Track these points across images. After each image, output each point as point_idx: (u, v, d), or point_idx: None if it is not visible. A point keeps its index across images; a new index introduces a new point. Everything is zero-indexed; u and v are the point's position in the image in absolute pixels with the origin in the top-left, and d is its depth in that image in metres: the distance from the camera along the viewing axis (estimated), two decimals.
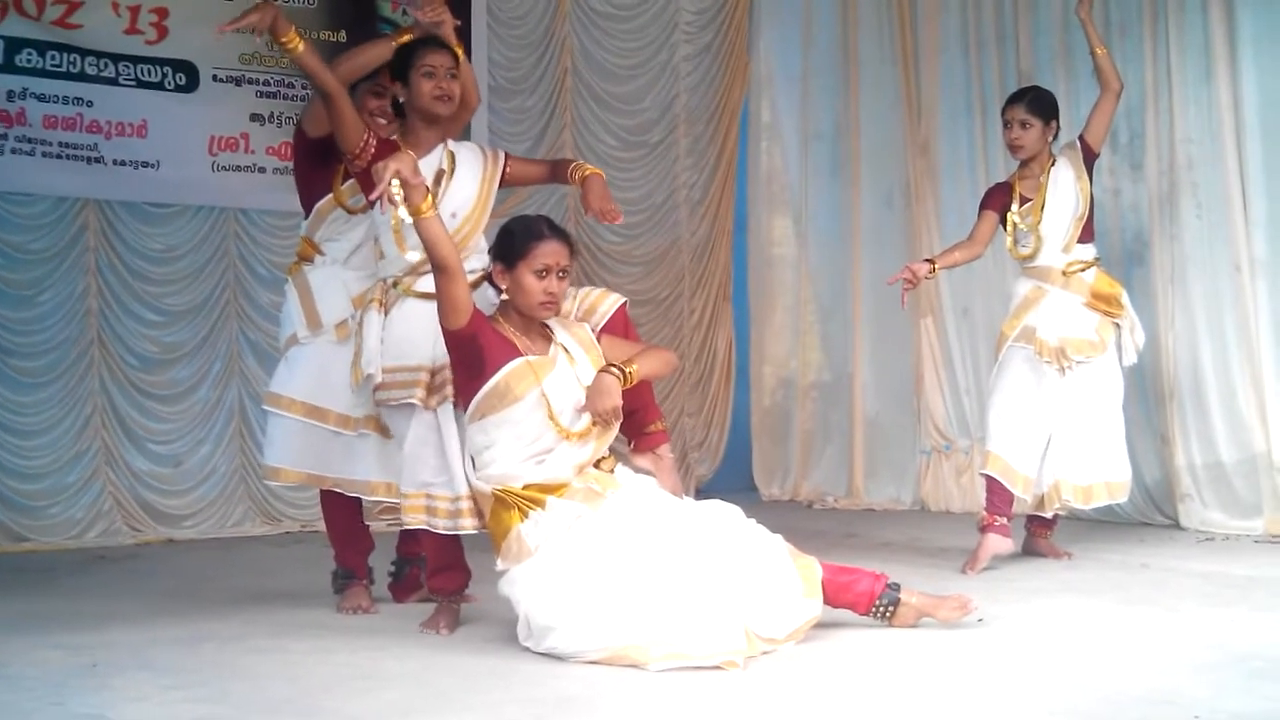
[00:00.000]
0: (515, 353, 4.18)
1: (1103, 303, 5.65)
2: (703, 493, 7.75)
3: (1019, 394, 5.62)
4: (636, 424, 4.46)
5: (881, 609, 4.16)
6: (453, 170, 4.55)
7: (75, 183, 6.77)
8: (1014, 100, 5.75)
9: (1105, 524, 6.56)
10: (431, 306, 4.25)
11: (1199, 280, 6.53)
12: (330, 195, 4.84)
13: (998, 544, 5.48)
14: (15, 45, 6.55)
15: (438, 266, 4.10)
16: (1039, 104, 5.68)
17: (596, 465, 4.22)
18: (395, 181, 3.97)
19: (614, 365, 4.20)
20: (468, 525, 4.33)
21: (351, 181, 4.72)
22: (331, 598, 4.94)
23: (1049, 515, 5.76)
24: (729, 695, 3.52)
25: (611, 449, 4.30)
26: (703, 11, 8.62)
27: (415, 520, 4.42)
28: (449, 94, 4.51)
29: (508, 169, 4.71)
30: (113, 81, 6.78)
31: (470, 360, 4.17)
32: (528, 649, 3.99)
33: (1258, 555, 5.75)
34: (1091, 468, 5.65)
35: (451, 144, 4.62)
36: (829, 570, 4.14)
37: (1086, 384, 5.61)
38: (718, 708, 3.43)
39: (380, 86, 4.75)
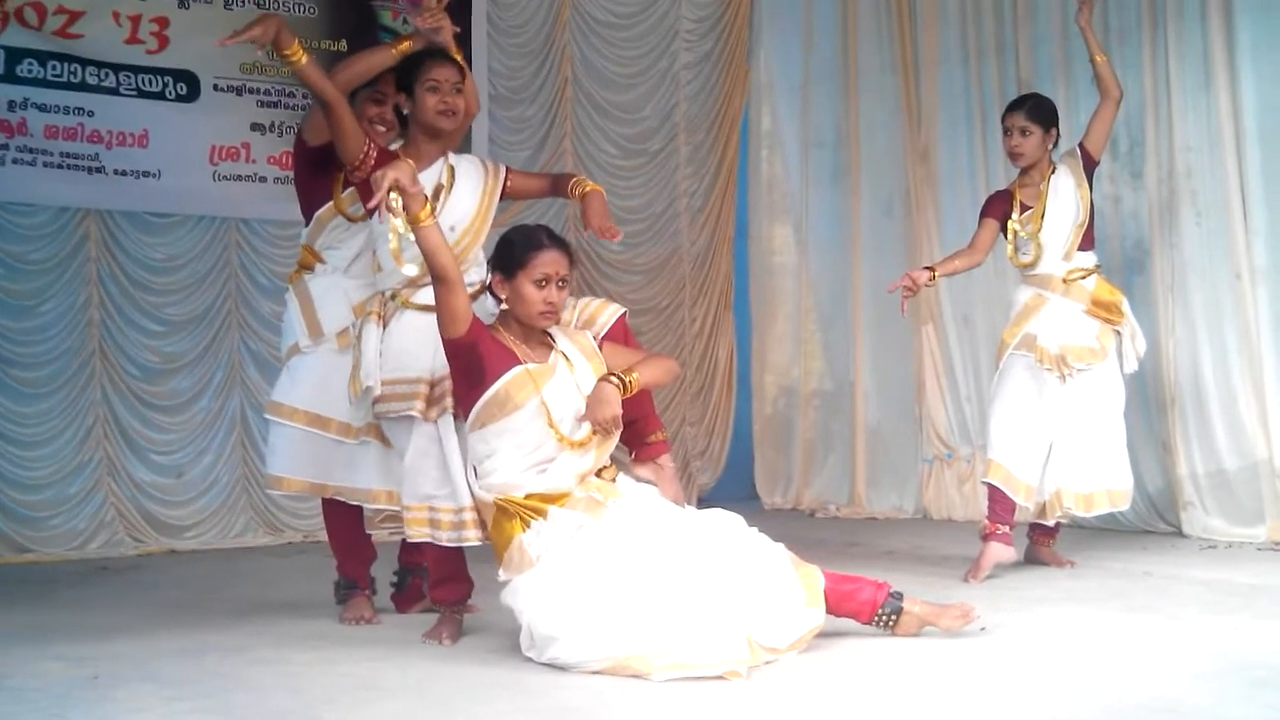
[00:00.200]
0: (515, 361, 4.18)
1: (1103, 310, 5.65)
2: (705, 502, 7.77)
3: (1020, 402, 5.62)
4: (637, 434, 4.47)
5: (884, 618, 4.16)
6: (451, 184, 4.55)
7: (76, 193, 6.77)
8: (1014, 108, 5.75)
9: (1107, 532, 6.55)
10: (430, 319, 4.25)
11: (1199, 288, 6.53)
12: (330, 203, 4.84)
13: (1000, 552, 5.48)
14: (16, 55, 6.56)
15: (437, 276, 4.10)
16: (1039, 111, 5.69)
17: (598, 474, 4.22)
18: (394, 191, 3.98)
19: (614, 374, 4.20)
20: (472, 537, 4.33)
21: (352, 190, 4.72)
22: (334, 608, 4.94)
23: (1051, 523, 5.75)
24: (732, 705, 3.52)
25: (613, 458, 4.30)
26: (703, 20, 8.63)
27: (418, 533, 4.41)
28: (453, 109, 4.52)
29: (508, 182, 4.71)
30: (114, 91, 6.78)
31: (470, 369, 4.17)
32: (530, 659, 3.99)
33: (1260, 563, 5.75)
34: (1093, 475, 5.64)
35: (452, 157, 4.62)
36: (831, 579, 4.13)
37: (1087, 391, 5.61)
38: (721, 717, 3.42)
39: (380, 94, 4.76)
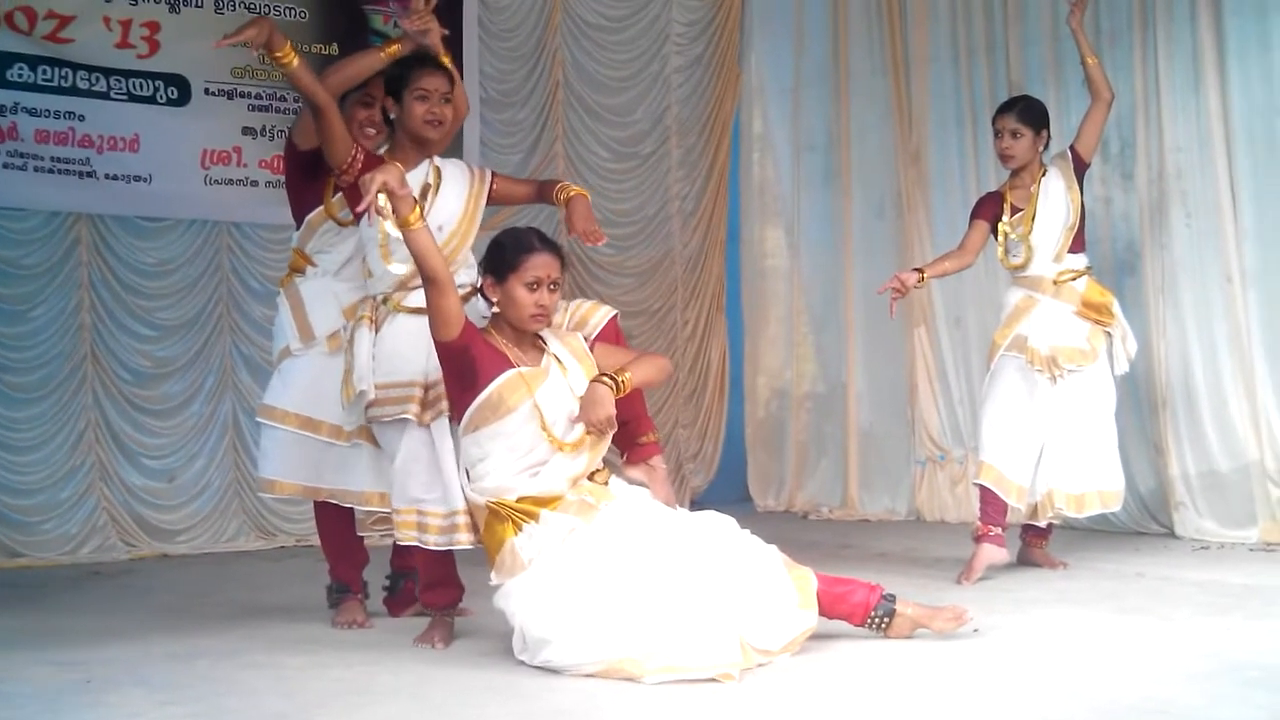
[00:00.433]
0: (507, 364, 4.18)
1: (1093, 311, 5.67)
2: (698, 504, 7.76)
3: (1011, 403, 5.63)
4: (629, 435, 4.47)
5: (877, 620, 4.16)
6: (438, 185, 4.56)
7: (67, 197, 6.75)
8: (1005, 110, 5.76)
9: (1100, 533, 6.56)
10: (422, 322, 4.24)
11: (1189, 289, 6.55)
12: (321, 207, 4.84)
13: (992, 554, 5.48)
14: (6, 60, 6.54)
15: (427, 278, 4.10)
16: (1030, 113, 5.70)
17: (591, 477, 4.22)
18: (382, 195, 3.97)
19: (606, 375, 4.20)
20: (463, 540, 4.32)
21: (342, 194, 4.72)
22: (326, 612, 4.93)
23: (1043, 524, 5.76)
24: (725, 707, 3.52)
25: (605, 460, 4.30)
26: (694, 23, 8.63)
27: (407, 536, 4.41)
28: (440, 119, 4.52)
29: (494, 187, 4.71)
30: (104, 96, 6.76)
31: (463, 372, 4.16)
32: (523, 663, 3.99)
33: (1252, 564, 5.76)
34: (1084, 476, 5.66)
35: (437, 160, 4.62)
36: (824, 581, 4.13)
37: (1078, 393, 5.62)
38: None
39: (369, 96, 4.76)
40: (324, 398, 4.72)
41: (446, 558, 4.45)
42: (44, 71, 6.63)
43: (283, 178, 5.22)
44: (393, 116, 4.57)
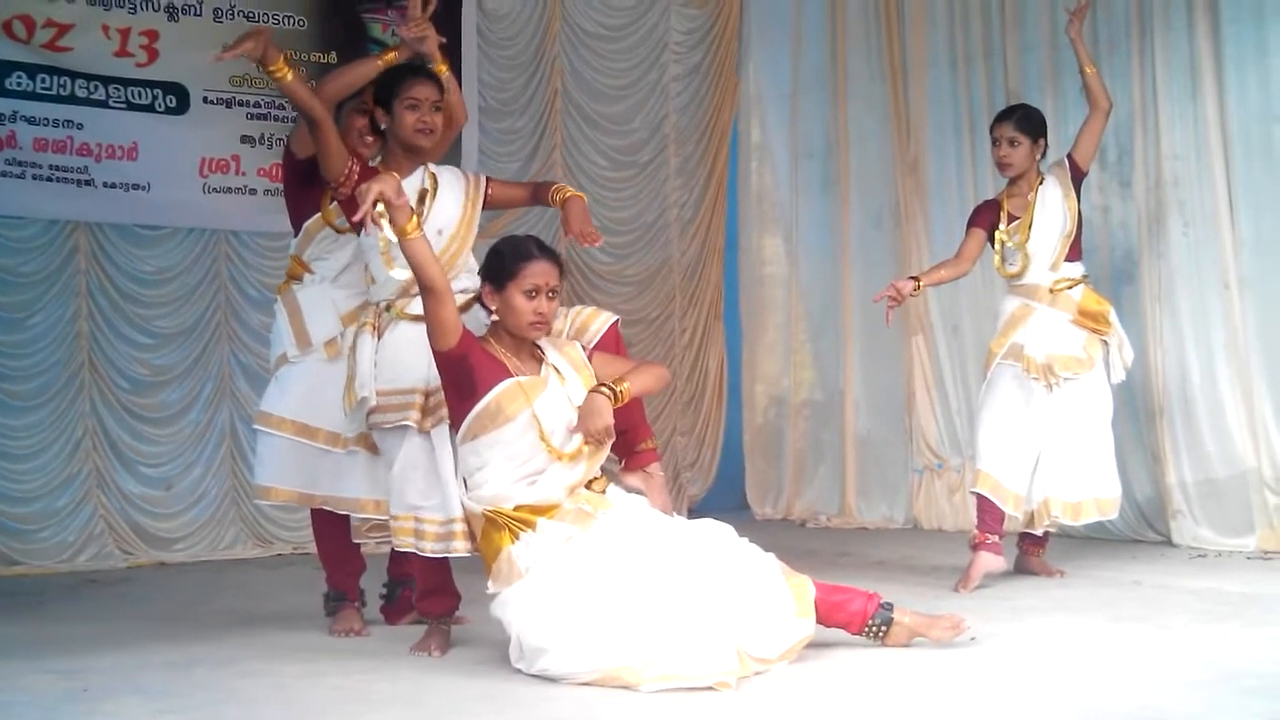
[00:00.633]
0: (506, 373, 4.18)
1: (1090, 320, 5.67)
2: (696, 512, 7.75)
3: (1008, 412, 5.63)
4: (627, 443, 4.47)
5: (874, 628, 4.16)
6: (435, 190, 4.56)
7: (66, 205, 6.75)
8: (1002, 118, 5.77)
9: (1097, 541, 6.56)
10: (424, 329, 4.24)
11: (1187, 297, 6.55)
12: (319, 215, 4.85)
13: (990, 562, 5.48)
14: (5, 68, 6.54)
15: (425, 288, 4.11)
16: (1027, 122, 5.70)
17: (589, 486, 4.22)
18: (380, 205, 3.98)
19: (605, 384, 4.20)
20: (460, 548, 4.33)
21: (338, 203, 4.73)
22: (323, 620, 4.93)
23: (1040, 533, 5.76)
24: (722, 716, 3.52)
25: (603, 469, 4.30)
26: (692, 31, 8.64)
27: (404, 543, 4.41)
28: (431, 127, 4.52)
29: (489, 191, 4.72)
30: (103, 104, 6.76)
31: (461, 381, 4.17)
32: (520, 671, 3.99)
33: (1250, 572, 5.76)
34: (1081, 484, 5.65)
35: (432, 167, 4.63)
36: (822, 589, 4.13)
37: (1075, 401, 5.62)
38: None
39: (366, 105, 4.76)
40: (321, 405, 4.73)
41: (444, 565, 4.45)
42: (43, 80, 6.63)
43: (281, 185, 5.23)
44: (384, 127, 4.57)
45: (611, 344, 4.51)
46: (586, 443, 4.17)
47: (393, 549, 4.73)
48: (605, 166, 8.38)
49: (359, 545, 5.09)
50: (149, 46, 6.86)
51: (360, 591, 4.98)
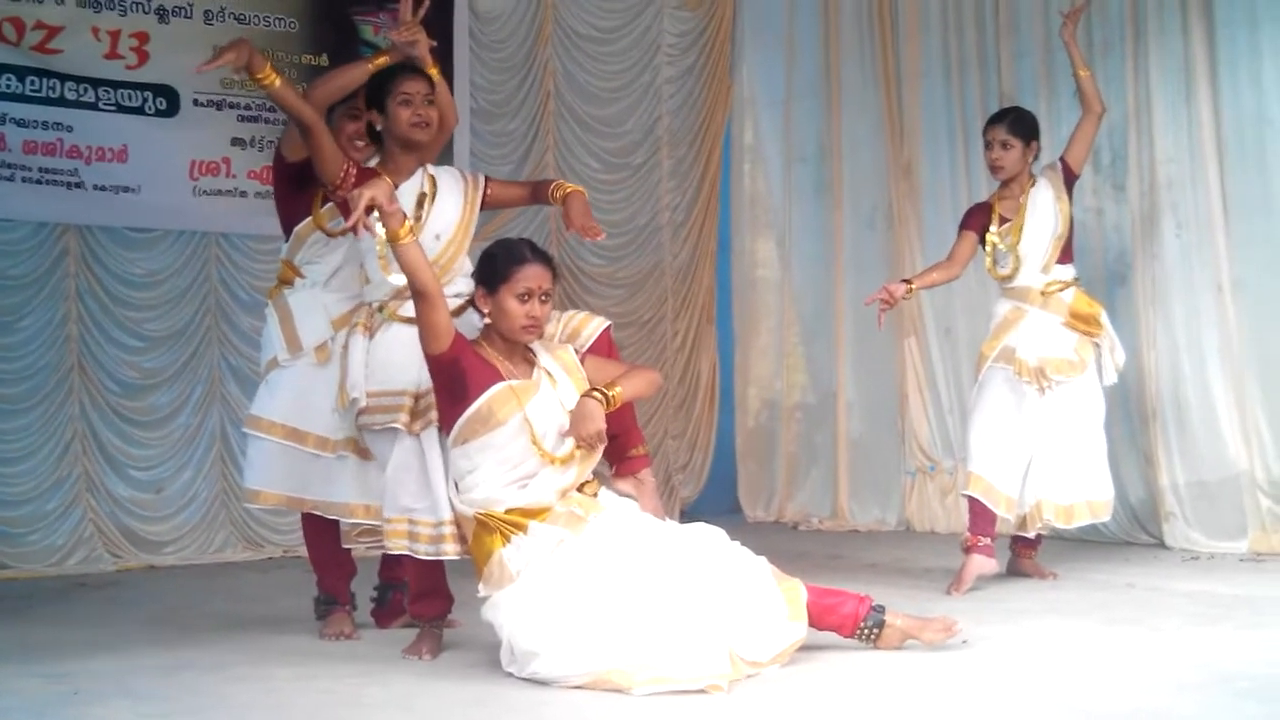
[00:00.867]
0: (497, 377, 4.17)
1: (1081, 322, 5.67)
2: (688, 515, 7.76)
3: (999, 414, 5.63)
4: (619, 448, 4.46)
5: (866, 631, 4.15)
6: (434, 193, 4.56)
7: (55, 208, 6.73)
8: (995, 121, 5.77)
9: (1090, 543, 6.56)
10: (416, 331, 4.23)
11: (1180, 300, 6.55)
12: (309, 219, 4.84)
13: (982, 564, 5.48)
14: None
15: (417, 292, 4.10)
16: (1020, 125, 5.71)
17: (580, 489, 4.21)
18: (372, 210, 3.97)
19: (596, 389, 4.19)
20: (450, 551, 4.31)
21: (331, 205, 4.71)
22: (314, 624, 4.91)
23: (1032, 535, 5.75)
24: (713, 719, 3.50)
25: (594, 472, 4.30)
26: (685, 34, 8.63)
27: (397, 545, 4.40)
28: (426, 120, 4.52)
29: (488, 191, 4.72)
30: (93, 106, 6.74)
31: (452, 385, 4.16)
32: (511, 674, 3.98)
33: (1242, 574, 5.76)
34: (1073, 487, 5.65)
35: (431, 168, 4.62)
36: (814, 592, 4.13)
37: (1067, 403, 5.62)
38: None
39: (357, 109, 4.75)
40: (311, 409, 4.72)
41: (437, 568, 4.44)
42: (32, 82, 6.61)
43: (271, 189, 5.21)
44: (379, 128, 4.56)
45: (604, 349, 4.50)
46: (578, 447, 4.16)
47: (384, 553, 4.72)
48: (598, 169, 8.37)
49: (349, 549, 5.07)
50: (139, 49, 6.85)
51: (351, 595, 4.97)
